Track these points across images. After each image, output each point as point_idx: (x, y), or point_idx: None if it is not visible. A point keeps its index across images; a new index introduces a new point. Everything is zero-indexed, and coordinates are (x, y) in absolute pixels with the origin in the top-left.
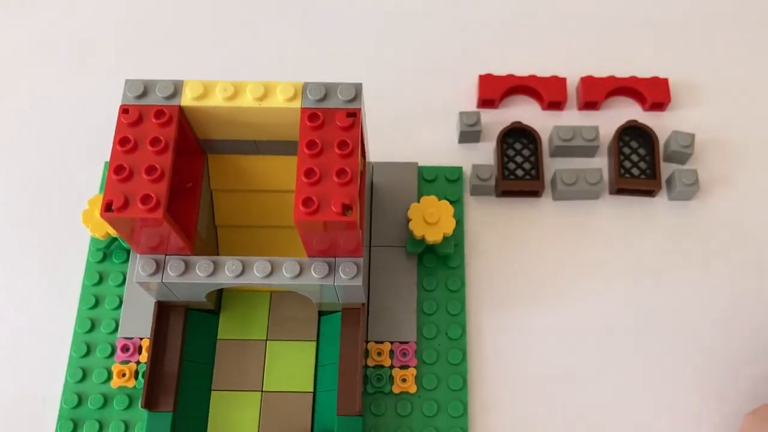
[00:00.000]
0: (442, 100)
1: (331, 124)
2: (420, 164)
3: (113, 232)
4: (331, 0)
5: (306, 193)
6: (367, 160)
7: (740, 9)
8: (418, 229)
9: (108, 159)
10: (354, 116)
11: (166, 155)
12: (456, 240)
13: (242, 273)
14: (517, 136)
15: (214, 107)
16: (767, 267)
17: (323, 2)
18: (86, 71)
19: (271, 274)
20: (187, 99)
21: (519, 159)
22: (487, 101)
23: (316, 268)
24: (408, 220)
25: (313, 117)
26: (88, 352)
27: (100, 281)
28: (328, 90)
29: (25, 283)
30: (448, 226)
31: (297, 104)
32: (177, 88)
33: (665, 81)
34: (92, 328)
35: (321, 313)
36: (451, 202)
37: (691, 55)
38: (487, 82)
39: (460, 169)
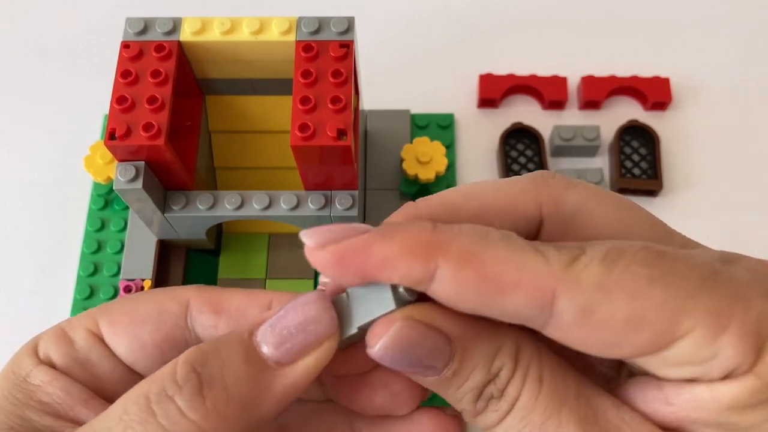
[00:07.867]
0: (441, 99)
1: (325, 54)
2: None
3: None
4: (331, 1)
5: (302, 120)
6: (360, 106)
7: (742, 8)
8: (411, 168)
9: (107, 112)
10: (347, 47)
11: (166, 87)
12: (448, 182)
13: (241, 206)
14: (519, 136)
15: (212, 42)
16: None
17: (321, 2)
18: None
19: (269, 206)
20: (185, 34)
21: (522, 160)
22: (487, 101)
23: (312, 200)
24: (401, 161)
25: (307, 48)
26: (92, 294)
27: (102, 227)
28: (321, 23)
29: (30, 230)
30: (441, 165)
31: (291, 37)
32: (176, 24)
33: (666, 80)
34: (95, 272)
35: None
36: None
37: (692, 54)
38: (487, 81)
39: (451, 116)
